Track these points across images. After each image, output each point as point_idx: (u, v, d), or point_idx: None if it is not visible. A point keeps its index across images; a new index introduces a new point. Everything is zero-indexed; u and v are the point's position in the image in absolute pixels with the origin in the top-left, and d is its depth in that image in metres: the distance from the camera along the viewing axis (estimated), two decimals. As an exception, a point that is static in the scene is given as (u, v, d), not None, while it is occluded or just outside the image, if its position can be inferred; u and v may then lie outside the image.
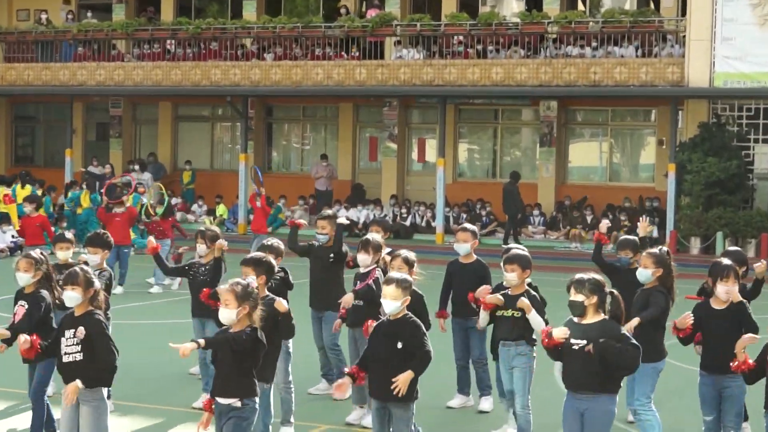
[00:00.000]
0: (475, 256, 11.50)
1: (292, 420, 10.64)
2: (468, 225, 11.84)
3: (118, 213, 20.21)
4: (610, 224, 10.30)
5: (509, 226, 29.17)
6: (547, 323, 9.53)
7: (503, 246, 10.94)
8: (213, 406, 7.91)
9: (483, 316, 10.09)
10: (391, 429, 8.61)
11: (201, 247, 11.58)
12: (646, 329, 9.49)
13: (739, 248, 10.83)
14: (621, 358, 7.79)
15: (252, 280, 8.24)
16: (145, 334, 15.83)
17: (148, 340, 15.15)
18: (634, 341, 7.92)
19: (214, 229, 11.77)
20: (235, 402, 7.86)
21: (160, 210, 20.95)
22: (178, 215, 33.04)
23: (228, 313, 7.76)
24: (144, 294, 19.91)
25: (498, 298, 9.78)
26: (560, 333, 7.96)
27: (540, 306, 9.78)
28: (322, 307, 12.10)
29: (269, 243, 10.66)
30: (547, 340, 8.01)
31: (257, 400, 8.06)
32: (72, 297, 8.07)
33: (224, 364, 7.87)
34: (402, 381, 8.16)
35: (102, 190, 27.54)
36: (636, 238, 10.97)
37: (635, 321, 9.33)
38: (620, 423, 11.24)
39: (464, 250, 11.45)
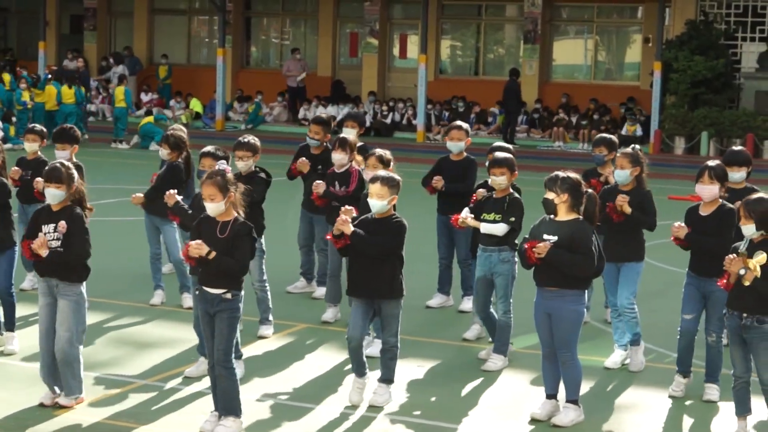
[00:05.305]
0: (465, 154, 11.33)
1: (270, 318, 10.57)
2: (462, 123, 11.59)
3: None
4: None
5: (506, 124, 29.18)
6: (520, 228, 9.43)
7: (494, 145, 10.69)
8: None
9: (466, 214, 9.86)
10: (371, 326, 8.53)
11: (162, 152, 11.33)
12: (636, 229, 9.55)
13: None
14: (571, 268, 7.93)
15: (223, 165, 8.13)
16: (106, 233, 15.58)
17: (112, 240, 14.99)
18: (592, 249, 7.93)
19: (179, 134, 11.14)
20: (225, 293, 7.75)
21: None
22: (154, 110, 32.73)
23: (216, 207, 7.71)
24: (112, 190, 19.70)
25: (468, 222, 9.50)
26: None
27: (519, 210, 9.59)
28: (316, 209, 11.60)
29: (246, 140, 10.26)
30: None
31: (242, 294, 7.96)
32: (55, 195, 8.12)
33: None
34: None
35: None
36: (612, 136, 10.96)
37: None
38: (597, 322, 11.23)
39: (458, 148, 11.24)
